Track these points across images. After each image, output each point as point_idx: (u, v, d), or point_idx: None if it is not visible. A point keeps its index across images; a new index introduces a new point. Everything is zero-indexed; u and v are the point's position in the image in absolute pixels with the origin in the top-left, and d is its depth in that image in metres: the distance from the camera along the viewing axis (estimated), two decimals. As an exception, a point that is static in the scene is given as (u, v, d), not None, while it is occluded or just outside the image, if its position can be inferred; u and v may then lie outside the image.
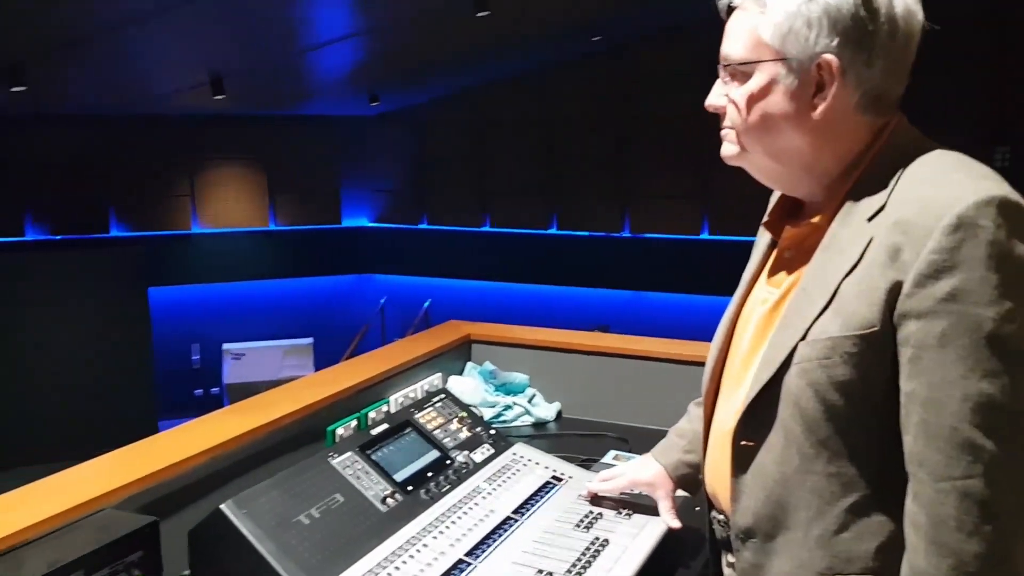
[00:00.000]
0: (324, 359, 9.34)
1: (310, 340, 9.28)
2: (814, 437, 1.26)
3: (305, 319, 9.57)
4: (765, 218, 1.52)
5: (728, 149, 1.40)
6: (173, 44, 6.10)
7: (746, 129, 1.34)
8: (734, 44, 1.33)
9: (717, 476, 1.47)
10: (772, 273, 1.46)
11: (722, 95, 1.37)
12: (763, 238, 1.54)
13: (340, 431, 2.30)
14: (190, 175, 9.06)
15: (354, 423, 2.37)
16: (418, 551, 1.78)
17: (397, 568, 1.71)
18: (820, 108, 1.28)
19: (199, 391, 9.32)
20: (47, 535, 1.65)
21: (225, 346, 9.07)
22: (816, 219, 1.35)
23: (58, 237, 8.65)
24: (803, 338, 1.27)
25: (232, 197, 9.21)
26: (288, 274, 9.59)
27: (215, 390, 9.27)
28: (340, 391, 2.46)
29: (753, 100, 1.31)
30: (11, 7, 4.79)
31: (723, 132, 1.40)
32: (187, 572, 1.78)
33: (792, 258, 1.41)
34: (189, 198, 9.07)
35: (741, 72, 1.32)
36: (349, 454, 2.01)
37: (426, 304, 9.39)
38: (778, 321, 1.35)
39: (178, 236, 9.06)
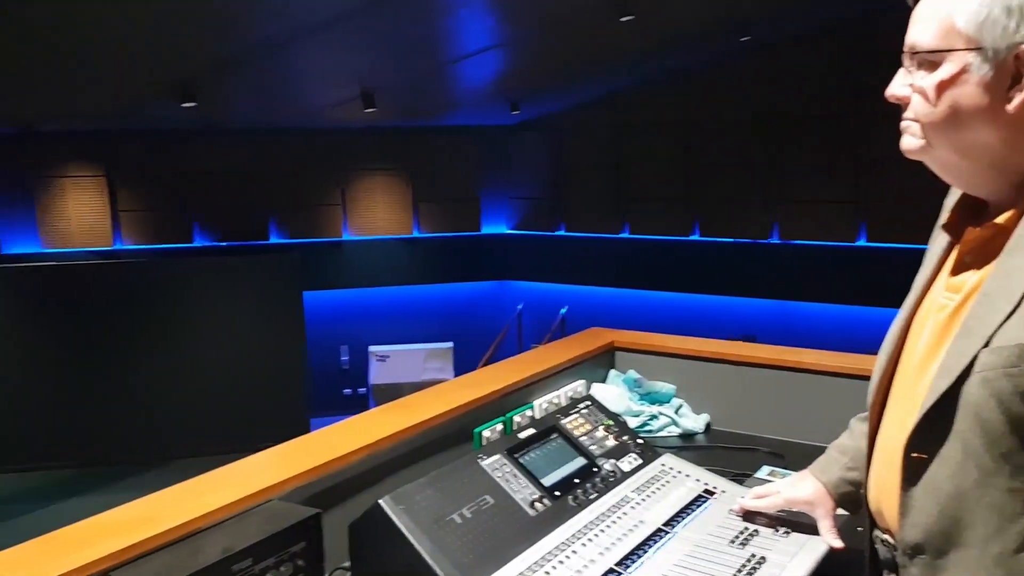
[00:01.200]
0: (463, 363, 9.54)
1: (450, 344, 9.52)
2: (995, 450, 1.18)
3: (446, 324, 9.81)
4: (943, 219, 1.43)
5: (910, 143, 1.32)
6: (329, 60, 6.42)
7: (933, 121, 1.26)
8: (924, 31, 1.25)
9: (884, 491, 1.40)
10: (951, 277, 1.37)
11: (905, 85, 1.30)
12: (939, 241, 1.45)
13: (486, 433, 2.33)
14: (341, 185, 9.49)
15: (500, 426, 2.39)
16: (567, 557, 1.78)
17: (547, 573, 1.71)
18: (1016, 101, 1.19)
19: (347, 391, 9.73)
20: (220, 523, 1.76)
21: (371, 348, 9.45)
22: (1002, 219, 1.26)
23: (223, 244, 9.26)
24: (986, 345, 1.19)
25: (379, 206, 9.58)
26: (430, 280, 9.87)
27: (362, 390, 9.65)
28: (486, 394, 2.49)
29: (943, 89, 1.23)
30: (184, 29, 5.18)
31: (904, 124, 1.32)
32: (347, 564, 1.86)
33: (973, 261, 1.32)
34: (340, 207, 9.50)
35: (929, 61, 1.25)
36: (497, 456, 2.04)
37: (563, 311, 9.42)
38: (957, 328, 1.26)
39: (330, 243, 9.52)
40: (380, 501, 1.77)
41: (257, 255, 8.95)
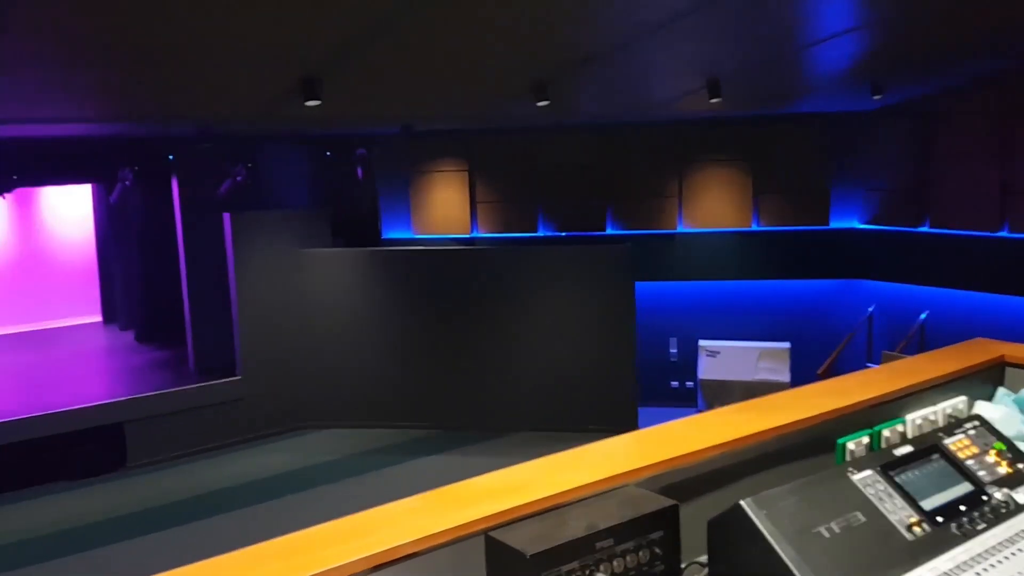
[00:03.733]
0: (801, 366, 9.04)
1: (787, 345, 9.07)
2: None
3: (783, 323, 9.36)
4: None
5: None
6: (676, 53, 6.41)
7: None
8: None
9: None
10: None
11: None
12: None
13: (851, 445, 2.18)
14: (679, 177, 9.47)
15: (866, 439, 2.22)
16: (954, 592, 1.59)
17: (930, 607, 1.55)
18: None
19: (675, 383, 9.73)
20: (582, 500, 1.84)
21: (701, 343, 9.34)
22: None
23: (562, 234, 9.74)
24: None
25: (716, 198, 9.40)
26: (768, 275, 9.47)
27: (690, 384, 9.59)
28: (851, 404, 2.32)
29: None
30: (542, 31, 5.48)
31: None
32: (702, 559, 1.84)
33: None
34: (677, 199, 9.48)
35: None
36: (870, 472, 1.89)
37: (922, 316, 8.48)
38: None
39: (664, 235, 9.55)
40: (742, 502, 1.72)
41: (593, 245, 9.27)
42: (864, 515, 1.77)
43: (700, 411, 9.26)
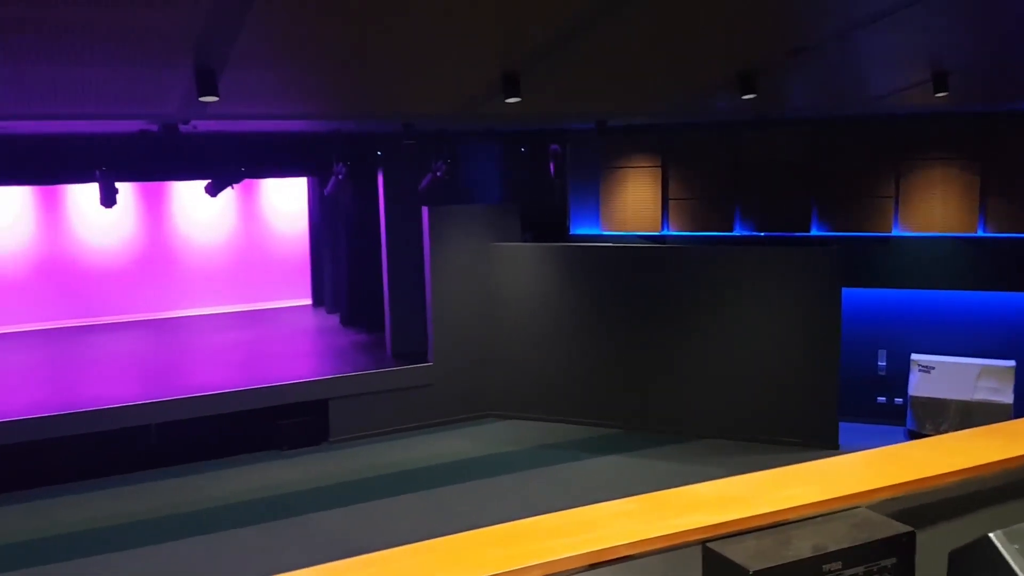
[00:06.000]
0: (1029, 387, 8.17)
1: (1012, 363, 8.21)
2: None
3: (1008, 338, 8.48)
4: None
5: None
6: (899, 43, 5.94)
7: None
8: None
9: None
10: None
11: None
12: None
13: (1120, 483, 1.90)
14: (896, 176, 8.79)
15: None
16: None
17: None
18: None
19: (882, 398, 9.06)
20: (807, 519, 1.73)
21: (914, 356, 8.63)
22: None
23: (762, 234, 9.33)
24: None
25: (938, 199, 8.62)
26: (994, 286, 8.58)
27: (899, 400, 8.90)
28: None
29: None
30: (748, 20, 5.25)
31: None
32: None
33: None
34: (892, 200, 8.81)
35: None
36: None
37: None
38: None
39: (876, 238, 8.90)
40: (991, 535, 1.55)
41: (796, 247, 8.81)
42: None
43: (910, 430, 8.56)
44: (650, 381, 9.00)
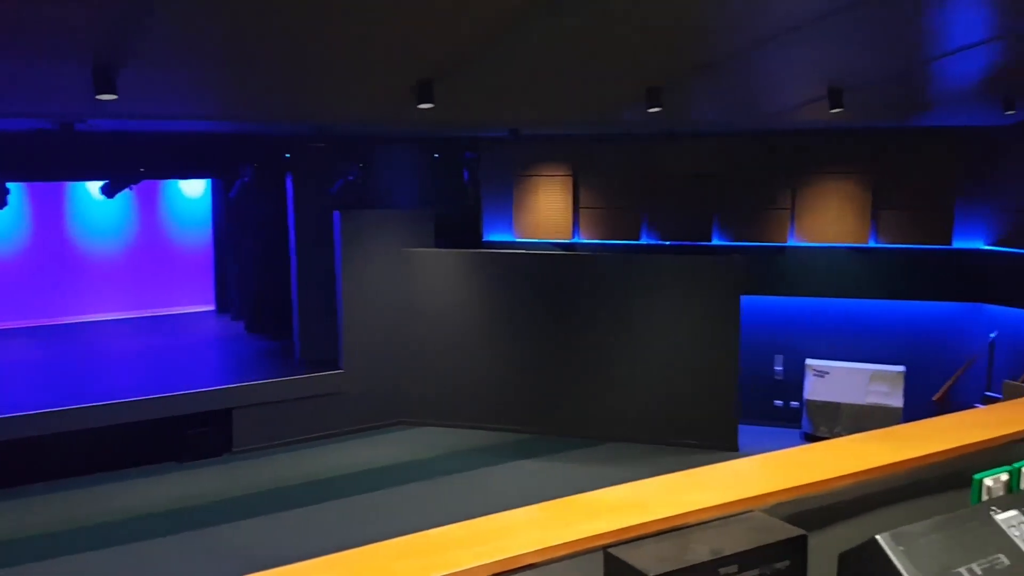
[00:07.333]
0: (916, 391, 8.62)
1: (902, 368, 8.67)
2: None
3: (898, 345, 8.95)
4: None
5: None
6: (798, 60, 6.20)
7: None
8: None
9: None
10: None
11: None
12: None
13: (988, 482, 2.04)
14: (792, 189, 9.17)
15: (1005, 476, 2.07)
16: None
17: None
18: None
19: (779, 402, 9.42)
20: (705, 523, 1.79)
21: (809, 361, 9.01)
22: None
23: (668, 243, 9.58)
24: None
25: (833, 211, 9.04)
26: (883, 295, 9.05)
27: (795, 403, 9.27)
28: (989, 439, 2.19)
29: None
30: (658, 37, 5.40)
31: None
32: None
33: None
34: (789, 211, 9.19)
35: None
36: (1015, 513, 1.77)
37: (1051, 345, 7.96)
38: None
39: (774, 248, 9.26)
40: (878, 537, 1.64)
41: (698, 256, 9.09)
42: (1009, 559, 1.66)
43: (805, 432, 8.93)
44: (561, 386, 9.11)
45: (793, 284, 9.26)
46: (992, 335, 8.65)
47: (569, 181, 9.79)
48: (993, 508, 1.79)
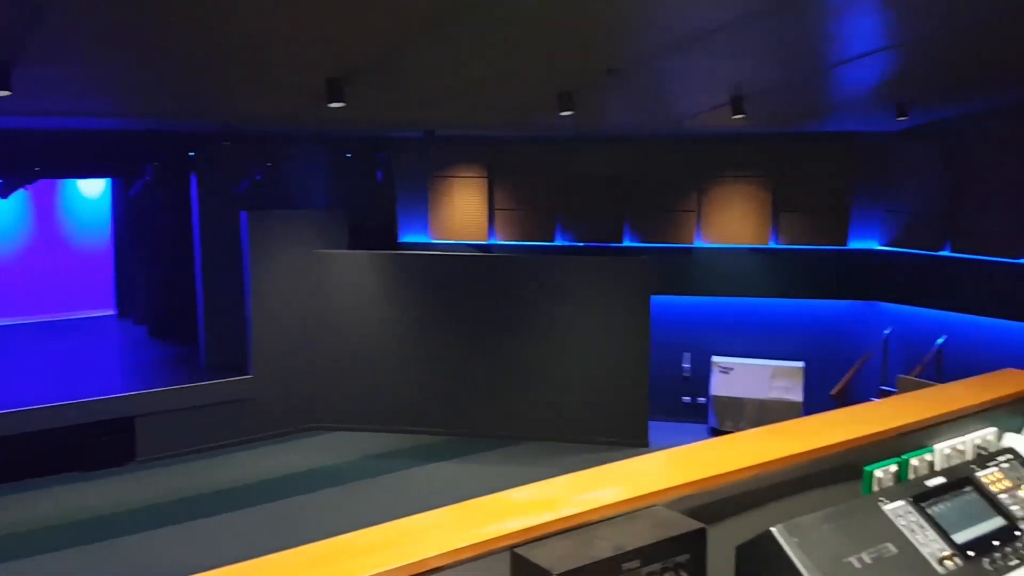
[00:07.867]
0: (815, 385, 8.98)
1: (801, 364, 9.02)
2: None
3: (797, 342, 9.30)
4: None
5: None
6: (702, 67, 6.39)
7: None
8: None
9: None
10: None
11: None
12: None
13: (878, 473, 2.15)
14: (698, 192, 9.43)
15: (894, 467, 2.19)
16: (990, 632, 1.56)
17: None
18: None
19: (687, 398, 9.67)
20: (609, 519, 1.82)
21: (714, 359, 9.30)
22: None
23: (580, 244, 9.72)
24: None
25: (736, 213, 9.35)
26: (784, 294, 9.41)
27: (702, 399, 9.53)
28: (879, 431, 2.29)
29: None
30: (566, 42, 5.48)
31: None
32: (730, 585, 1.81)
33: None
34: (695, 213, 9.45)
35: None
36: (901, 503, 1.86)
37: (939, 341, 8.40)
38: None
39: (681, 249, 9.50)
40: (772, 529, 1.70)
41: (610, 257, 9.25)
42: (896, 547, 1.74)
43: (712, 427, 9.20)
44: (477, 387, 9.11)
45: (700, 284, 9.53)
46: (886, 331, 9.10)
47: (484, 182, 9.81)
48: (881, 499, 1.87)
